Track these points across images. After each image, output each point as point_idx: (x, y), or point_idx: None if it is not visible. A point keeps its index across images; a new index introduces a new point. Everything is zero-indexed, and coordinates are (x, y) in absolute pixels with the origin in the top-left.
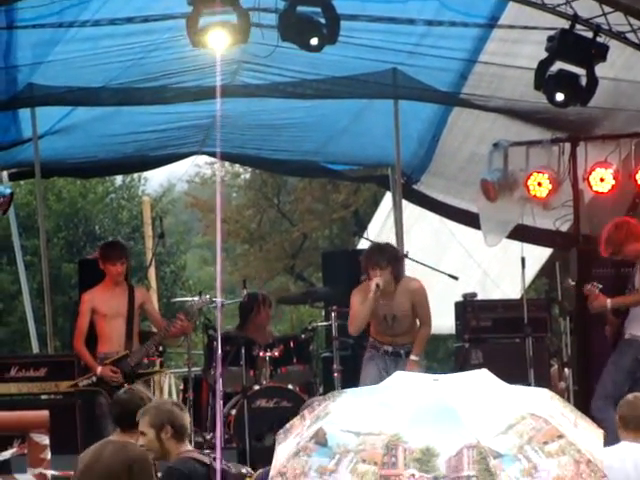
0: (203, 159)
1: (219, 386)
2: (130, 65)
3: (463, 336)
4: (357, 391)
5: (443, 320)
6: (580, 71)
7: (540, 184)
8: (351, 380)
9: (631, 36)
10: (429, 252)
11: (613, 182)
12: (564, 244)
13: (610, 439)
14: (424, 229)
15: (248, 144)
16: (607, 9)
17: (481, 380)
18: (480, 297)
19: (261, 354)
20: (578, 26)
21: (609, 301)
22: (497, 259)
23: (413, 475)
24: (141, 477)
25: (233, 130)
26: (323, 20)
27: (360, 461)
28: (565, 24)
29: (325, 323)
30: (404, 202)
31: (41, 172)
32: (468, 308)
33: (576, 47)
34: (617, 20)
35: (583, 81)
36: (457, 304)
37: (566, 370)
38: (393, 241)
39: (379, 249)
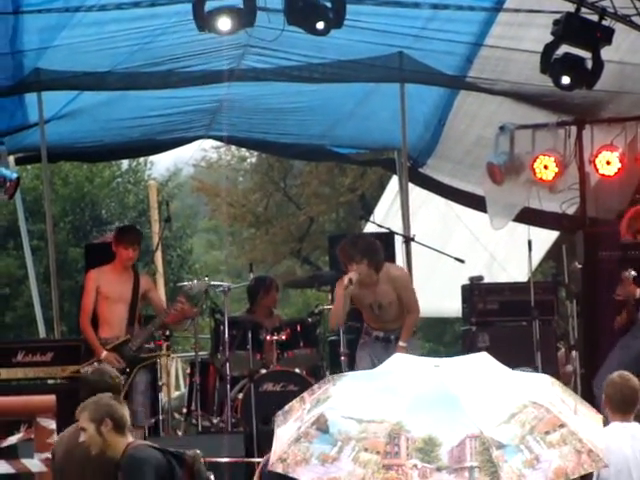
0: (209, 143)
1: (227, 370)
2: (136, 50)
3: (470, 319)
4: (357, 375)
5: (450, 303)
6: (586, 54)
7: (546, 167)
8: None
9: (637, 19)
10: (435, 235)
11: (619, 165)
12: (570, 227)
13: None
14: (430, 212)
15: (254, 128)
16: None
17: (482, 365)
18: (487, 280)
19: (268, 338)
20: (584, 9)
21: (639, 291)
22: (504, 242)
23: (415, 465)
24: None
25: (239, 114)
26: (329, 4)
27: (362, 449)
28: (571, 7)
29: (332, 306)
30: (410, 185)
31: (47, 157)
32: (475, 291)
33: (582, 30)
34: (623, 3)
35: (589, 64)
36: (464, 287)
37: (573, 353)
38: (400, 224)
39: (352, 243)
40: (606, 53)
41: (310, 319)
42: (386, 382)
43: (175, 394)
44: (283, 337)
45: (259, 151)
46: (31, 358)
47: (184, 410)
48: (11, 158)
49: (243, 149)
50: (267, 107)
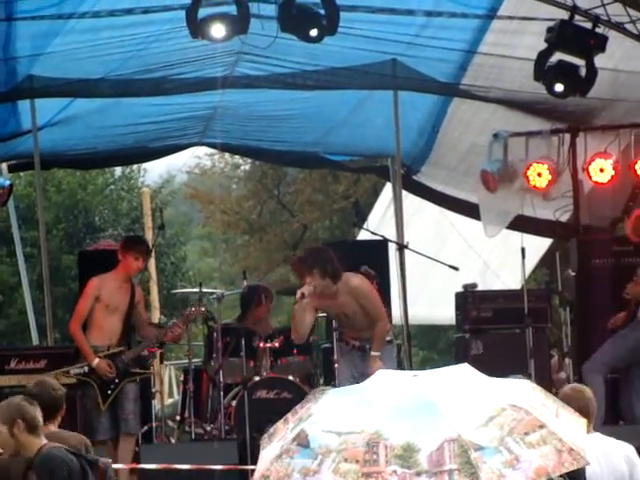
0: (203, 150)
1: (220, 377)
2: (130, 56)
3: (463, 327)
4: (339, 391)
5: (443, 311)
6: (579, 62)
7: (540, 174)
8: None
9: (630, 27)
10: (429, 243)
11: (612, 172)
12: (564, 234)
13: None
14: (424, 220)
15: (248, 135)
16: (606, 0)
17: (461, 374)
18: (480, 288)
19: (261, 345)
20: (577, 17)
21: None
22: (497, 249)
23: (395, 471)
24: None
25: (233, 121)
26: (323, 11)
27: (342, 460)
28: (564, 15)
29: (325, 314)
30: (404, 193)
31: (40, 163)
32: (468, 299)
33: (575, 38)
34: (616, 11)
35: (582, 72)
36: (457, 295)
37: (566, 360)
38: (393, 232)
39: (302, 257)
40: (600, 60)
41: None
42: (365, 395)
43: (168, 401)
44: (276, 344)
45: (253, 158)
46: (24, 365)
47: (177, 417)
48: (4, 165)
49: (237, 156)
50: (261, 114)
